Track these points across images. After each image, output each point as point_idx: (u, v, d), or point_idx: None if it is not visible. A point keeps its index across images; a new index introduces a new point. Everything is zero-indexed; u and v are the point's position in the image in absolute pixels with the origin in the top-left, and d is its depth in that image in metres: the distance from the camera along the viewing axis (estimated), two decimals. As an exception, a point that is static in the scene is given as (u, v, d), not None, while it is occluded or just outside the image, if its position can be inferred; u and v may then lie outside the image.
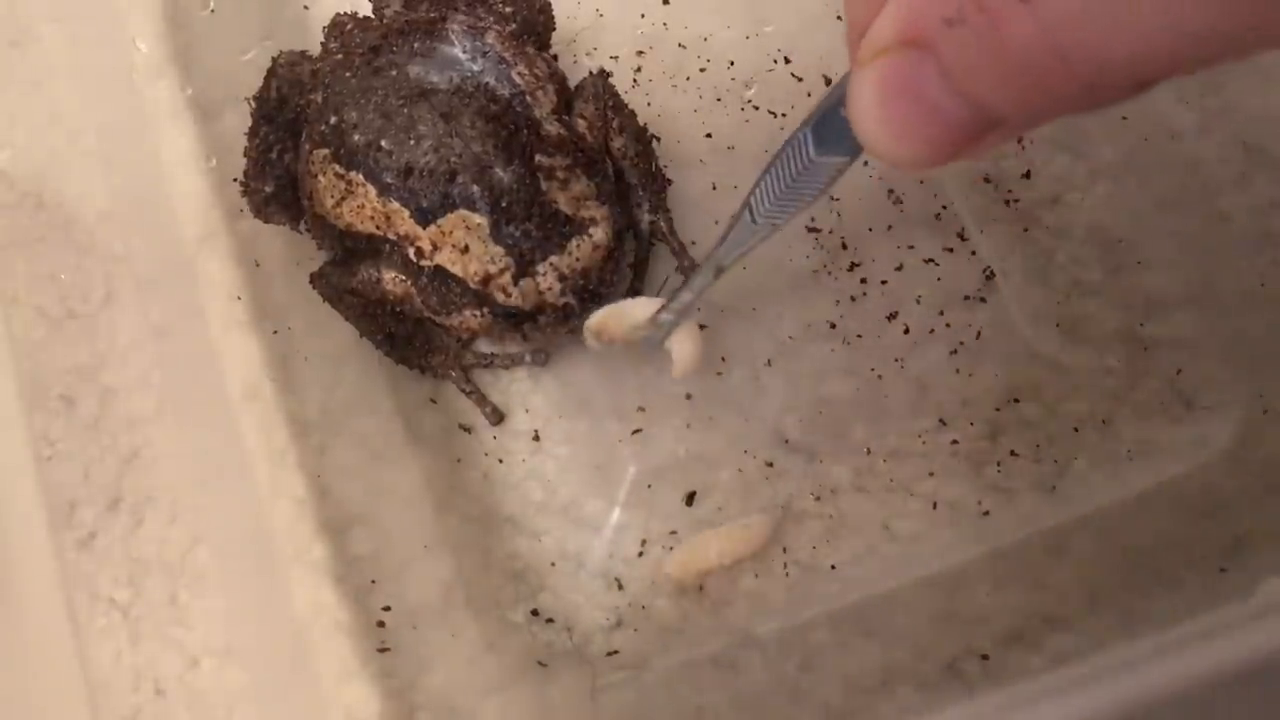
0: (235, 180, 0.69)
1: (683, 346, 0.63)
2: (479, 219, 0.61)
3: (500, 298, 0.61)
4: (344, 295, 0.66)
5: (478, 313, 0.63)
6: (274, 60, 0.69)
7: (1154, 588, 0.61)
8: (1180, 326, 0.69)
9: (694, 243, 0.71)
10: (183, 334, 0.68)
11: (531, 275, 0.61)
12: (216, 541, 0.63)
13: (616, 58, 0.76)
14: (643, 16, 0.77)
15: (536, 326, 0.63)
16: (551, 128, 0.64)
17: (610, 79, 0.70)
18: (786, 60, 0.75)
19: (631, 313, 0.62)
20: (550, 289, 0.61)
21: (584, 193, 0.62)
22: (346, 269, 0.66)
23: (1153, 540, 0.64)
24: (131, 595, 0.62)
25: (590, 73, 0.70)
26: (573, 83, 0.70)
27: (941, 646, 0.61)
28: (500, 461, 0.67)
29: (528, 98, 0.65)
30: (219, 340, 0.68)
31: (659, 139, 0.73)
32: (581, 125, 0.67)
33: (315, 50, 0.70)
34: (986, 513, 0.65)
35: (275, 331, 0.68)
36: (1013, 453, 0.66)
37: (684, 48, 0.76)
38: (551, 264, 0.61)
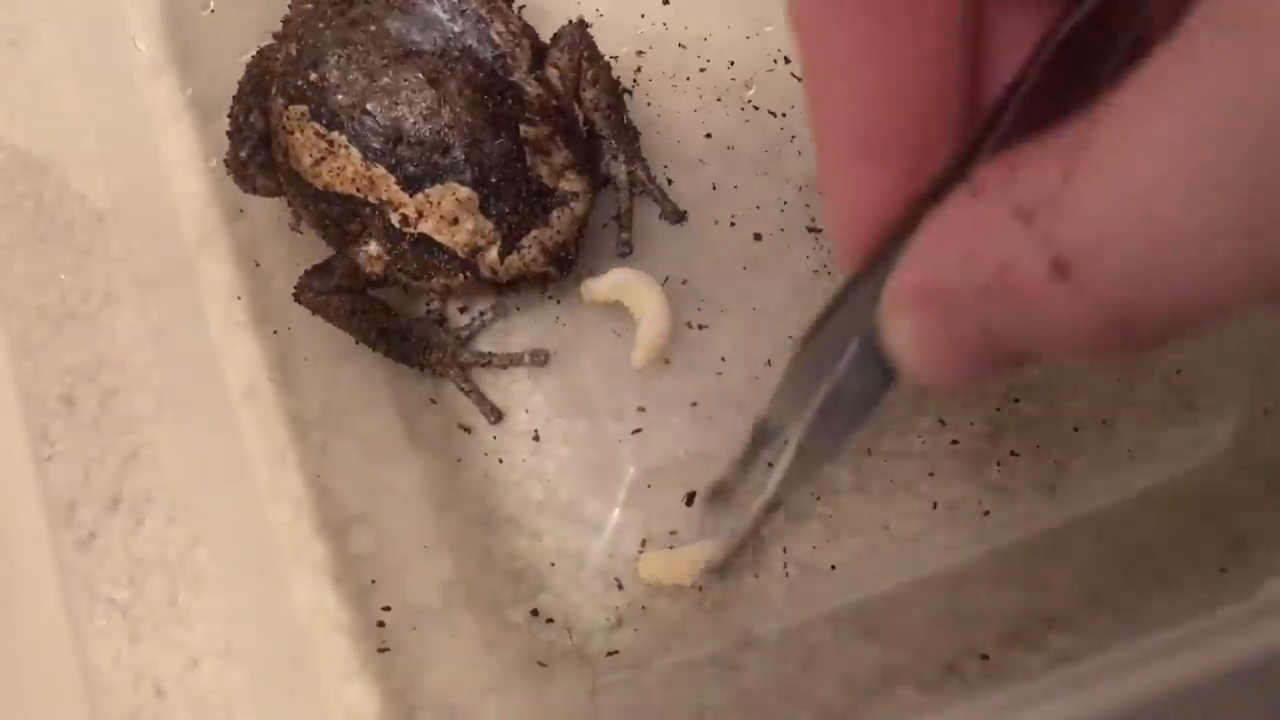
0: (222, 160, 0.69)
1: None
2: (469, 192, 0.62)
3: (486, 273, 0.64)
4: (330, 299, 0.66)
5: (460, 276, 0.65)
6: (254, 56, 0.69)
7: (1154, 588, 0.61)
8: (1180, 326, 0.69)
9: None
10: (183, 334, 0.68)
11: (518, 250, 0.63)
12: (216, 541, 0.63)
13: (616, 57, 0.75)
14: (643, 16, 0.77)
15: (514, 289, 0.66)
16: (530, 89, 0.65)
17: (589, 29, 0.70)
18: (786, 60, 0.75)
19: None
20: (534, 260, 0.63)
21: (565, 163, 0.64)
22: (325, 270, 0.66)
23: (1153, 540, 0.64)
24: (131, 595, 0.62)
25: (569, 21, 0.70)
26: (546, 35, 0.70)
27: (941, 646, 0.61)
28: (500, 461, 0.67)
29: (508, 59, 0.65)
30: (219, 340, 0.68)
31: (630, 92, 0.74)
32: (554, 75, 0.68)
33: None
34: (986, 513, 0.65)
35: (275, 331, 0.68)
36: (1013, 453, 0.66)
37: (684, 48, 0.76)
38: (535, 237, 0.63)
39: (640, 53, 0.76)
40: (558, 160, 0.64)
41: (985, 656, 0.60)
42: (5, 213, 0.69)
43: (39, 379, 0.65)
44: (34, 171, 0.70)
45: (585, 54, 0.70)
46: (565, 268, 0.65)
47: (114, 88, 0.73)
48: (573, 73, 0.69)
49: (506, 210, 0.62)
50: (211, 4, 0.76)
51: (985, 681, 0.59)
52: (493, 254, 0.63)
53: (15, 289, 0.67)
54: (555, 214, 0.63)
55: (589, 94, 0.70)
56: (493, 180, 0.62)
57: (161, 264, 0.69)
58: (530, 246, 0.63)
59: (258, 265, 0.70)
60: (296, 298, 0.66)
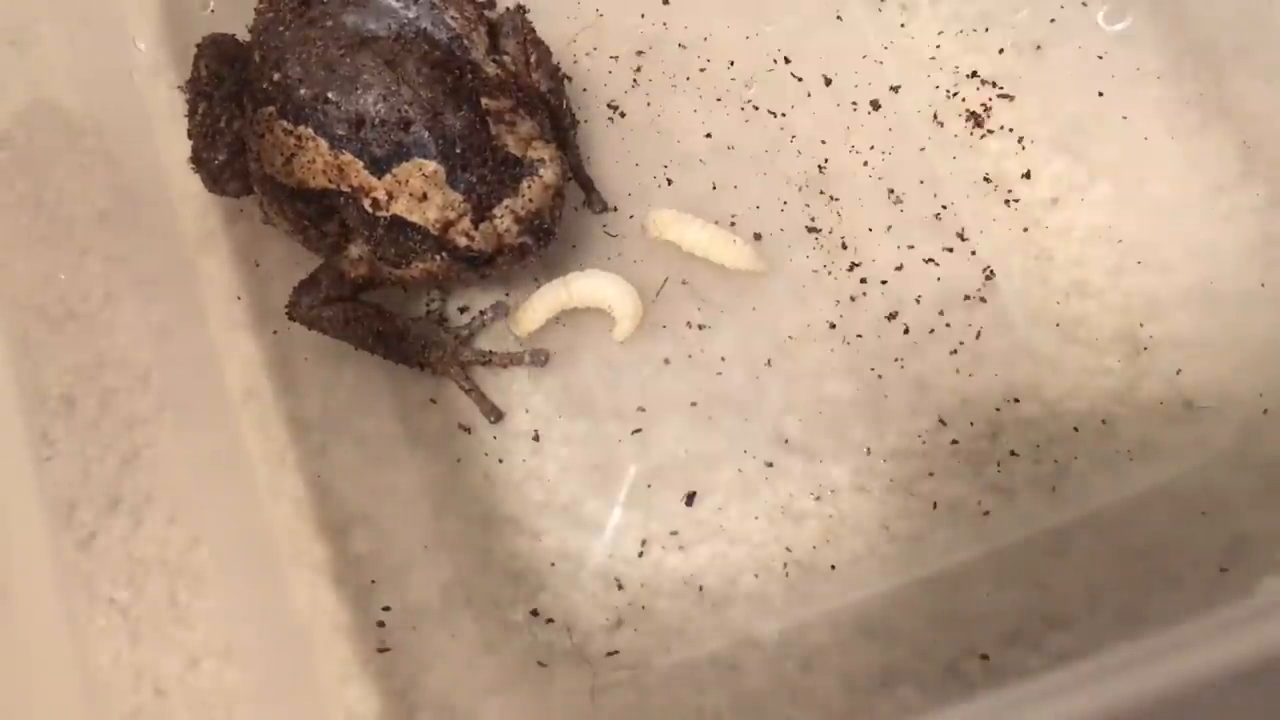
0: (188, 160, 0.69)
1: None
2: (434, 166, 0.62)
3: (463, 242, 0.63)
4: (322, 312, 0.66)
5: (438, 258, 0.64)
6: (198, 46, 0.69)
7: (1154, 588, 0.61)
8: (1180, 326, 0.69)
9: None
10: (183, 334, 0.68)
11: (489, 219, 0.63)
12: (216, 541, 0.63)
13: (616, 57, 0.75)
14: (643, 16, 0.77)
15: (494, 267, 0.65)
16: (489, 69, 0.66)
17: (527, 14, 0.71)
18: (786, 60, 0.75)
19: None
20: (508, 230, 0.63)
21: (530, 133, 0.64)
22: (312, 284, 0.66)
23: (1153, 540, 0.64)
24: (131, 595, 0.62)
25: (508, 9, 0.71)
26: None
27: (941, 646, 0.61)
28: (500, 461, 0.67)
29: (464, 40, 0.66)
30: (219, 340, 0.68)
31: (585, 90, 0.74)
32: (506, 61, 0.68)
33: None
34: (986, 513, 0.65)
35: (275, 331, 0.68)
36: (1013, 453, 0.66)
37: (684, 48, 0.76)
38: (507, 206, 0.63)
39: (640, 53, 0.76)
40: (523, 129, 0.64)
41: (985, 656, 0.60)
42: (5, 212, 0.69)
43: (39, 379, 0.65)
44: (34, 171, 0.70)
45: (529, 38, 0.70)
46: (543, 239, 0.64)
47: (114, 88, 0.73)
48: (522, 58, 0.70)
49: (474, 180, 0.62)
50: (211, 4, 0.76)
51: (985, 681, 0.59)
52: (464, 224, 0.63)
53: (15, 289, 0.67)
54: (525, 183, 0.63)
55: (535, 76, 0.71)
56: (457, 151, 0.62)
57: (161, 264, 0.69)
58: (503, 216, 0.63)
59: (258, 265, 0.70)
60: (290, 316, 0.66)
